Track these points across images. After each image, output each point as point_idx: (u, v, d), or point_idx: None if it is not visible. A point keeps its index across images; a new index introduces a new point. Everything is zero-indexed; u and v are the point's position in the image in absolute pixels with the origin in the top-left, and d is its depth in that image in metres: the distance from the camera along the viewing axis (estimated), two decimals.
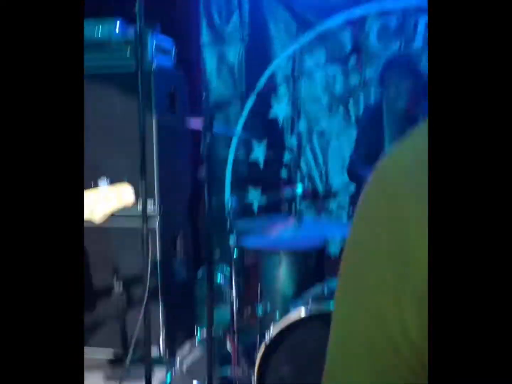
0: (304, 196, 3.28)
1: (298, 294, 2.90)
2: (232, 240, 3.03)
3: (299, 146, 4.12)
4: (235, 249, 3.01)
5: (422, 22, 3.80)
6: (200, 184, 2.96)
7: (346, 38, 3.93)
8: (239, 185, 4.29)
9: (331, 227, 2.83)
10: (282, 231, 2.76)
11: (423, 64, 3.71)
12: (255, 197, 4.24)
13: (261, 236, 3.01)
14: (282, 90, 4.11)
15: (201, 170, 2.91)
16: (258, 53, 4.20)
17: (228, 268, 3.33)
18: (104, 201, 2.28)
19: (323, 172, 4.11)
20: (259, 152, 4.22)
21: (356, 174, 3.47)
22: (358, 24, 3.93)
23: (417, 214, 0.56)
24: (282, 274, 3.00)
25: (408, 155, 0.60)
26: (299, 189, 2.86)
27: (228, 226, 3.03)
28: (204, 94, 4.27)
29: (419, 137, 0.61)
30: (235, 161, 4.29)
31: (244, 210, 3.59)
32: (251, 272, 3.15)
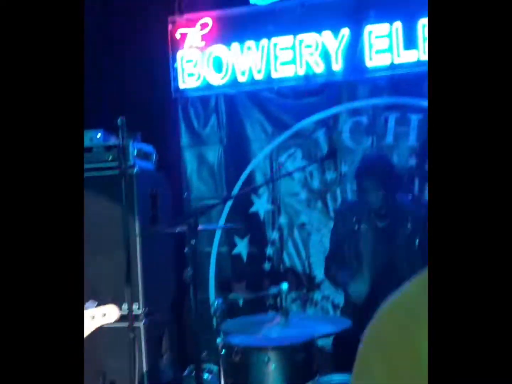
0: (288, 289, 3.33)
1: None
2: (219, 339, 3.02)
3: (281, 239, 4.20)
4: (222, 349, 3.00)
5: (392, 119, 4.00)
6: (185, 283, 2.98)
7: (321, 136, 4.11)
8: (223, 281, 4.32)
9: (318, 322, 2.85)
10: (269, 329, 2.77)
11: (394, 159, 3.89)
12: (239, 292, 4.25)
13: (248, 334, 3.00)
14: (262, 187, 4.22)
15: (186, 271, 2.94)
16: (236, 153, 4.35)
17: (216, 367, 3.29)
18: (90, 320, 2.50)
19: (305, 264, 4.17)
20: (242, 247, 4.29)
21: (332, 277, 3.57)
22: (331, 123, 4.12)
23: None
24: (271, 372, 2.97)
25: (402, 312, 0.65)
26: (284, 286, 2.90)
27: (215, 326, 3.03)
28: (186, 193, 4.40)
29: (408, 296, 0.66)
30: (218, 257, 4.34)
31: (229, 307, 3.59)
32: (240, 371, 3.11)
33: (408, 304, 0.65)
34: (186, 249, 2.85)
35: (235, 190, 4.30)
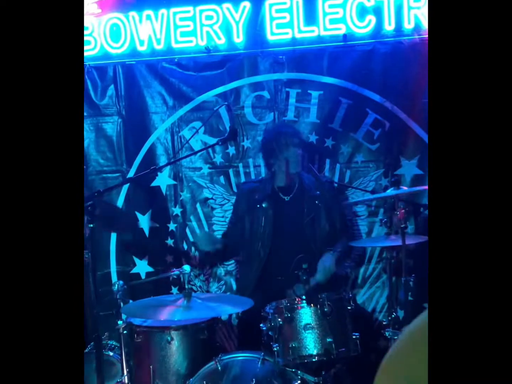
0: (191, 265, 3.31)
1: (192, 371, 2.88)
2: (120, 322, 2.96)
3: (184, 214, 4.14)
4: (124, 330, 2.94)
5: (293, 94, 4.00)
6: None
7: (223, 111, 4.05)
8: (124, 256, 4.22)
9: (220, 304, 2.85)
10: (172, 312, 2.74)
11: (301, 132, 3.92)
12: (142, 268, 4.18)
13: (150, 317, 2.96)
14: (163, 160, 4.12)
15: (84, 254, 2.83)
16: (136, 125, 4.20)
17: (118, 344, 3.23)
18: None
19: None
20: (143, 222, 4.19)
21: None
22: (233, 97, 4.06)
23: None
24: (174, 350, 2.97)
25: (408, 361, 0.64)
26: (186, 268, 2.87)
27: (115, 310, 2.97)
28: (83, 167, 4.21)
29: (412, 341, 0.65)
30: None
31: (131, 287, 3.52)
32: (142, 351, 3.07)
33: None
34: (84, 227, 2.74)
35: (135, 164, 4.17)
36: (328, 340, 2.68)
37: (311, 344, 2.71)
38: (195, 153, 3.84)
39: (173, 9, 4.07)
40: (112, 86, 4.20)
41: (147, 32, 4.11)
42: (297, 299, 2.79)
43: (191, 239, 4.13)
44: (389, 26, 3.89)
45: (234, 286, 4.04)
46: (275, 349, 2.75)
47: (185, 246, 4.14)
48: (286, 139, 3.51)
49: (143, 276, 4.14)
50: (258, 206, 3.55)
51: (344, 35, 3.91)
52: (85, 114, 4.21)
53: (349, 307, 2.80)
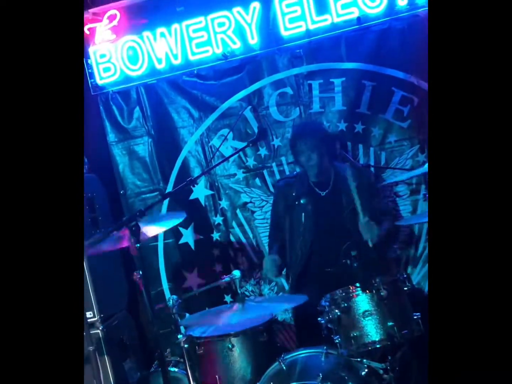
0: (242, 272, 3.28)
1: (257, 375, 2.85)
2: (180, 336, 2.96)
3: (225, 222, 4.13)
4: (185, 344, 2.94)
5: (316, 86, 3.96)
6: (136, 283, 2.89)
7: (248, 114, 4.03)
8: (174, 273, 4.23)
9: (274, 303, 2.82)
10: (228, 317, 2.72)
11: (324, 124, 3.87)
12: (193, 281, 4.19)
13: (208, 325, 2.95)
14: (198, 172, 4.13)
15: (135, 274, 2.84)
16: (166, 142, 4.23)
17: (182, 360, 3.24)
18: None
19: (254, 243, 4.12)
20: (187, 236, 4.20)
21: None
22: (256, 99, 4.04)
23: None
24: (237, 357, 2.95)
25: None
26: (236, 273, 2.85)
27: (174, 323, 2.97)
28: (122, 191, 4.26)
29: None
30: (166, 249, 4.24)
31: (186, 300, 3.52)
32: (206, 362, 3.06)
33: None
34: (130, 250, 2.75)
35: (171, 181, 4.19)
36: (389, 324, 2.62)
37: (372, 330, 2.64)
38: (227, 159, 3.81)
39: (185, 22, 4.08)
40: (137, 108, 4.24)
41: (163, 50, 4.13)
42: (351, 288, 2.74)
43: (236, 245, 4.12)
44: (401, 1, 3.81)
45: (286, 286, 4.00)
46: (336, 341, 2.70)
47: (231, 253, 4.13)
48: (306, 143, 3.45)
49: (195, 289, 4.14)
50: (296, 202, 3.51)
51: (358, 18, 3.84)
52: (115, 139, 4.27)
53: (405, 288, 2.73)
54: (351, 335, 2.66)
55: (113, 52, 4.18)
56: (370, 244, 3.20)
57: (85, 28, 4.16)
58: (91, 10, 4.14)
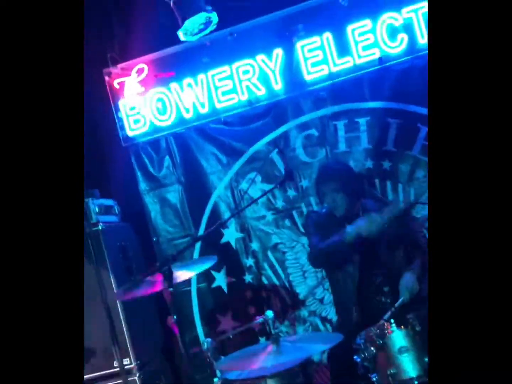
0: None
1: None
2: (216, 379, 2.95)
3: (257, 264, 4.15)
4: None
5: (341, 126, 4.01)
6: (171, 328, 2.91)
7: (275, 156, 4.10)
8: (208, 317, 4.24)
9: (309, 342, 2.79)
10: (263, 360, 2.70)
11: (351, 164, 3.89)
12: (227, 324, 4.18)
13: (243, 368, 2.93)
14: (227, 216, 4.18)
15: (170, 318, 2.87)
16: (196, 188, 4.30)
17: None
18: None
19: (286, 283, 4.12)
20: (220, 279, 4.22)
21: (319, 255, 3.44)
22: (283, 142, 4.11)
23: None
24: None
25: None
26: (269, 314, 2.85)
27: (209, 366, 2.96)
28: (155, 238, 4.33)
29: None
30: (199, 294, 4.26)
31: (221, 343, 3.51)
32: None
33: None
34: (165, 296, 2.79)
35: (202, 226, 4.25)
36: (426, 359, 2.57)
37: (409, 366, 2.60)
38: (255, 200, 3.82)
39: (210, 72, 4.21)
40: (167, 157, 4.34)
41: (190, 100, 4.25)
42: (386, 324, 2.71)
43: (268, 287, 4.12)
44: (422, 40, 3.87)
45: (321, 326, 3.98)
46: (374, 379, 2.66)
47: (264, 295, 4.13)
48: (330, 184, 3.44)
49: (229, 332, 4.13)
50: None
51: (380, 58, 3.91)
52: (147, 188, 4.37)
53: None
54: (388, 372, 2.62)
55: (142, 105, 4.32)
56: (406, 298, 3.15)
57: (115, 82, 4.32)
58: (119, 65, 4.30)
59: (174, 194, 4.33)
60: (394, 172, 3.93)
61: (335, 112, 4.04)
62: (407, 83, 3.90)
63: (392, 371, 2.62)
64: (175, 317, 2.83)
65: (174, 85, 4.26)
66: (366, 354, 2.71)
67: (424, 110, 3.86)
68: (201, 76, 4.21)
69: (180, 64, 4.27)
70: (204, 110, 4.24)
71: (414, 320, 2.64)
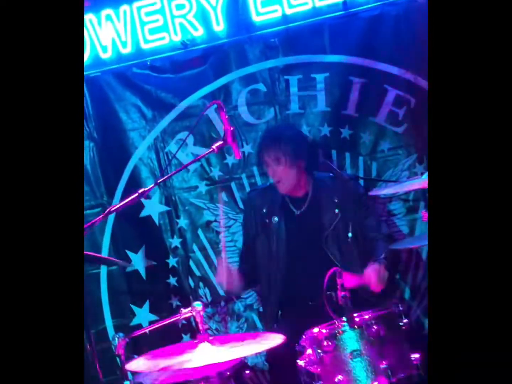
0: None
1: None
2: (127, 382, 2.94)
3: (184, 245, 4.13)
4: None
5: (294, 82, 4.01)
6: None
7: (212, 114, 4.05)
8: (120, 306, 4.20)
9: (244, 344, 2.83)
10: (186, 361, 2.71)
11: (304, 129, 3.91)
12: (143, 317, 4.16)
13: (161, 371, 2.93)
14: (150, 183, 4.11)
15: None
16: (112, 147, 4.23)
17: None
18: None
19: None
20: (137, 262, 4.18)
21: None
22: (222, 96, 4.07)
23: None
24: None
25: None
26: (197, 305, 2.84)
27: (119, 371, 2.95)
28: None
29: None
30: (110, 278, 4.21)
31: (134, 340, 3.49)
32: None
33: None
34: None
35: (118, 194, 4.18)
36: (383, 366, 2.64)
37: (362, 374, 2.67)
38: (185, 166, 3.71)
39: (136, 4, 4.11)
40: None
41: (109, 35, 4.15)
42: (336, 323, 2.76)
43: (197, 273, 4.12)
44: None
45: (258, 323, 4.02)
46: None
47: (192, 283, 4.12)
48: (274, 152, 3.49)
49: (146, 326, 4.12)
50: (267, 221, 3.54)
51: (344, 2, 3.92)
52: None
53: (401, 323, 2.76)
54: (336, 380, 2.67)
55: None
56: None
57: None
58: None
59: (84, 153, 4.23)
60: (354, 142, 3.98)
61: (287, 64, 4.03)
62: (375, 35, 3.93)
63: (340, 378, 2.67)
64: None
65: (89, 16, 4.13)
66: (312, 357, 2.75)
67: (393, 69, 3.91)
68: (124, 7, 4.12)
69: None
70: (126, 50, 4.17)
71: (370, 320, 2.70)
